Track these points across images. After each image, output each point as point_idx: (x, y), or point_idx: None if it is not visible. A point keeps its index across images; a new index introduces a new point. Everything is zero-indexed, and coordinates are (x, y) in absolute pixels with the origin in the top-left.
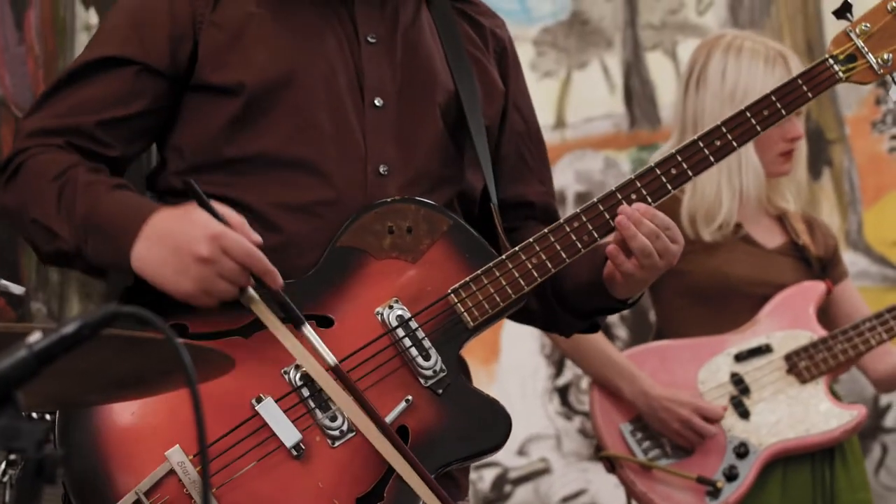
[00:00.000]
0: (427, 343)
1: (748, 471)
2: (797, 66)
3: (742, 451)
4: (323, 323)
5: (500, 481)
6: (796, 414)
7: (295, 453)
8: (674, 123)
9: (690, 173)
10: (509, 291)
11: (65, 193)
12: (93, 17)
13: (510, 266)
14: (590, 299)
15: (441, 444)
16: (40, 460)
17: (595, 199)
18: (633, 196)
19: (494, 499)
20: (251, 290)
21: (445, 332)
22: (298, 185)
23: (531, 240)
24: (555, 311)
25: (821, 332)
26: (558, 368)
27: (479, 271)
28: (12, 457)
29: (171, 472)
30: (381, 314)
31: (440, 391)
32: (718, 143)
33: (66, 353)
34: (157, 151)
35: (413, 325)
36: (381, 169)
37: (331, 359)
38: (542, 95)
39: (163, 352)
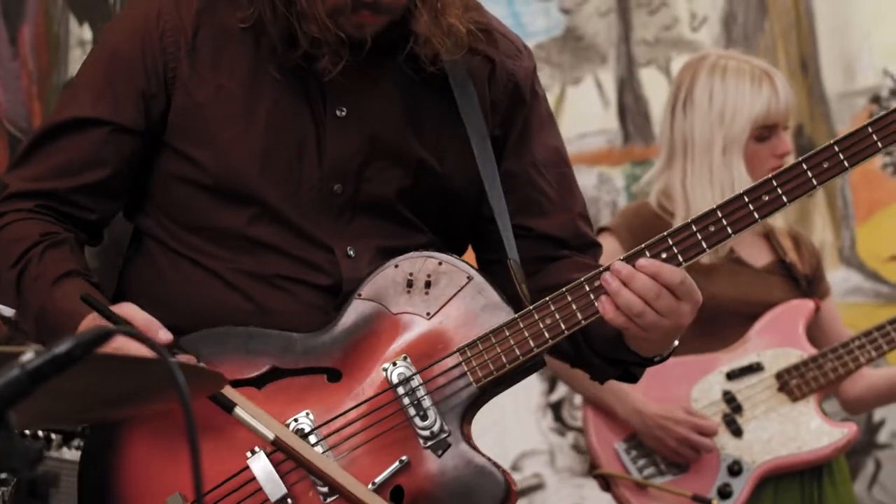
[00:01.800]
0: (427, 402)
1: (742, 488)
2: (783, 84)
3: (735, 468)
4: (332, 377)
5: None
6: (788, 432)
7: None
8: (661, 145)
9: (730, 230)
10: (517, 352)
11: (21, 283)
12: (86, 33)
13: (521, 326)
14: (615, 353)
15: None
16: (33, 480)
17: (621, 258)
18: (664, 255)
19: None
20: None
21: (450, 393)
22: (269, 263)
23: (547, 299)
24: (587, 357)
25: (811, 350)
26: (551, 384)
27: (488, 331)
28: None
29: None
30: (387, 371)
31: (439, 453)
32: (766, 198)
33: (58, 373)
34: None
35: (415, 382)
36: (349, 251)
37: (270, 435)
38: None
39: (155, 370)
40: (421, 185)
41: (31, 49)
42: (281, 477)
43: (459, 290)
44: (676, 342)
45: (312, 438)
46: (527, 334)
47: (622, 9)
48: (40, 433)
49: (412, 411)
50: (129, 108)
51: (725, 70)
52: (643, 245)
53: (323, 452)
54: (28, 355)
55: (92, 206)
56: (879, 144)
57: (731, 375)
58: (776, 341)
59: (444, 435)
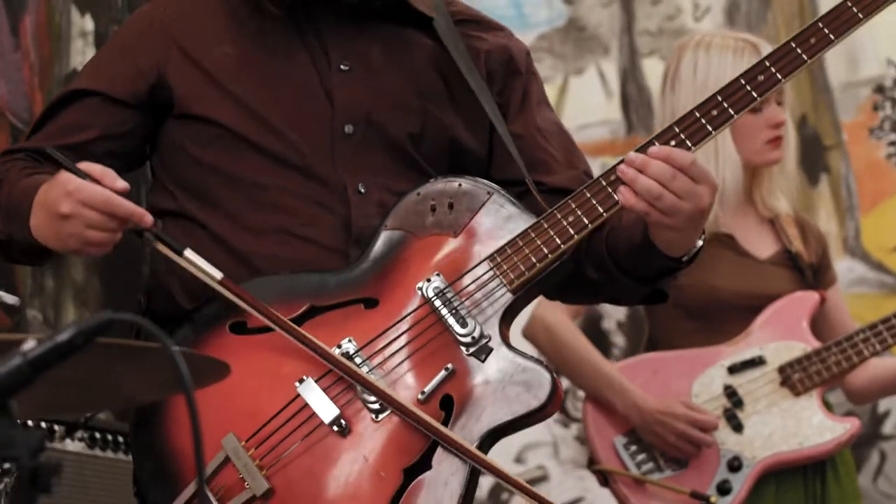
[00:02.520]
0: (464, 310)
1: (741, 484)
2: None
3: (735, 464)
4: (369, 304)
5: (497, 489)
6: (790, 427)
7: (336, 429)
8: (656, 126)
9: (732, 111)
10: (545, 251)
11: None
12: (88, 24)
13: (546, 226)
14: (645, 261)
15: (486, 410)
16: (35, 469)
17: (634, 150)
18: (672, 142)
19: None
20: (147, 233)
21: (486, 299)
22: (278, 209)
23: (567, 198)
24: (616, 279)
25: (814, 344)
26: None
27: (514, 235)
28: (7, 465)
29: (227, 459)
30: (422, 288)
31: (482, 358)
32: (761, 77)
33: (60, 361)
34: (151, 176)
35: (450, 294)
36: (360, 188)
37: (217, 274)
38: None
39: (160, 359)
40: (429, 133)
41: (32, 40)
42: (331, 399)
43: (482, 206)
44: (700, 242)
45: (357, 360)
46: (552, 233)
47: None
48: (43, 424)
49: (451, 320)
50: (124, 83)
51: (710, 45)
52: (652, 136)
53: (368, 372)
54: (29, 343)
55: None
56: (860, 15)
57: (733, 369)
58: (779, 334)
59: (485, 340)
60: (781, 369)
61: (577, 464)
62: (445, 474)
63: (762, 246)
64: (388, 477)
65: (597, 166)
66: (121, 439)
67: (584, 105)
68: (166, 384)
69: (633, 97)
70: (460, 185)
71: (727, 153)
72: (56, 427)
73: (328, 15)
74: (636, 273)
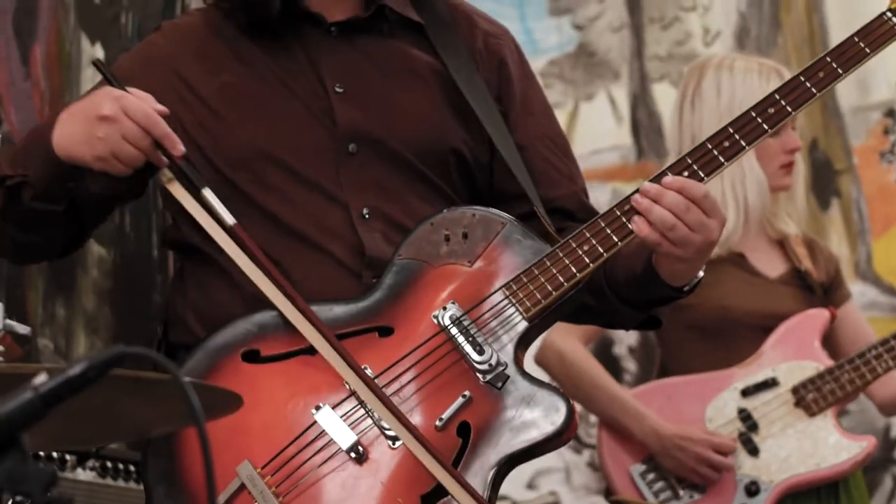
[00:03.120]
0: (481, 338)
1: None
2: None
3: (753, 489)
4: (384, 333)
5: None
6: (806, 448)
7: (354, 455)
8: (671, 147)
9: (743, 143)
10: (560, 279)
11: (12, 147)
12: (98, 52)
13: (561, 255)
14: (644, 288)
15: (503, 437)
16: (47, 503)
17: (647, 180)
18: (685, 173)
19: None
20: (165, 170)
21: (502, 327)
22: (282, 243)
23: (582, 227)
24: (612, 305)
25: (827, 362)
26: None
27: (530, 264)
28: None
29: (242, 486)
30: (437, 317)
31: (499, 385)
32: (772, 110)
33: (72, 395)
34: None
35: (466, 322)
36: (364, 213)
37: (230, 220)
38: None
39: (172, 391)
40: (431, 145)
41: (43, 69)
42: (348, 426)
43: (496, 235)
44: (702, 273)
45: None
46: (567, 262)
47: (635, 24)
48: (55, 454)
49: (468, 348)
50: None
51: (733, 66)
52: (665, 167)
53: None
54: (41, 378)
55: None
56: (867, 50)
57: (746, 392)
58: (791, 354)
59: (502, 367)
60: (795, 390)
61: (589, 490)
62: None
63: (772, 265)
64: None
65: (607, 192)
66: (132, 468)
67: (595, 130)
68: (179, 416)
69: (643, 122)
70: (474, 215)
71: (754, 175)
72: (67, 457)
73: (318, 37)
74: (634, 301)
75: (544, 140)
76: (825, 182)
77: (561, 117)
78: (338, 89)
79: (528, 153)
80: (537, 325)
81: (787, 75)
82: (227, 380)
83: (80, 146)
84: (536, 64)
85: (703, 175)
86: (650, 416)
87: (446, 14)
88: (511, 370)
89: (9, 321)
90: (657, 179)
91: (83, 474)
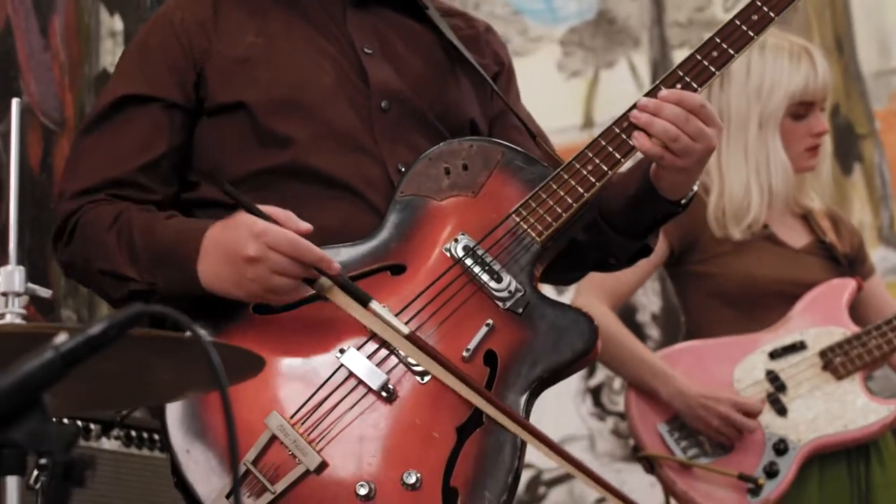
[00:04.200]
0: (497, 266)
1: (788, 467)
2: (822, 62)
3: (781, 447)
4: (396, 271)
5: (534, 483)
6: (833, 410)
7: (385, 395)
8: None
9: (732, 51)
10: (569, 200)
11: (122, 237)
12: (117, 24)
13: (566, 177)
14: (641, 210)
15: (530, 361)
16: (68, 463)
17: (642, 96)
18: (678, 85)
19: (529, 501)
20: (323, 279)
21: (515, 253)
22: (318, 189)
23: (584, 148)
24: (605, 236)
25: (854, 329)
26: (591, 369)
27: (537, 188)
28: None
29: (273, 437)
30: (449, 249)
31: (520, 311)
32: (755, 17)
33: (93, 354)
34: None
35: (480, 251)
36: (400, 167)
37: (404, 329)
38: (569, 95)
39: (195, 351)
40: (451, 110)
41: (62, 40)
42: (376, 366)
43: (497, 164)
44: (696, 187)
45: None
46: (573, 183)
47: None
48: (79, 423)
49: (485, 277)
50: (164, 83)
51: (764, 45)
52: (657, 81)
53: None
54: (61, 337)
55: (154, 186)
56: None
57: (774, 354)
58: (819, 320)
59: (521, 293)
60: (823, 353)
61: (613, 457)
62: (497, 439)
63: (796, 236)
64: (441, 438)
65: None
66: (156, 437)
67: (615, 98)
68: (202, 379)
69: None
70: (472, 145)
71: (779, 160)
72: (92, 426)
73: (339, 5)
74: (630, 227)
75: (532, 132)
76: (847, 147)
77: (581, 85)
78: (367, 50)
79: (504, 121)
80: (550, 247)
81: (818, 59)
82: (242, 335)
83: (231, 288)
84: (556, 32)
85: (696, 86)
86: (677, 377)
87: (439, 6)
88: (530, 295)
89: (31, 285)
90: (652, 94)
91: (108, 443)
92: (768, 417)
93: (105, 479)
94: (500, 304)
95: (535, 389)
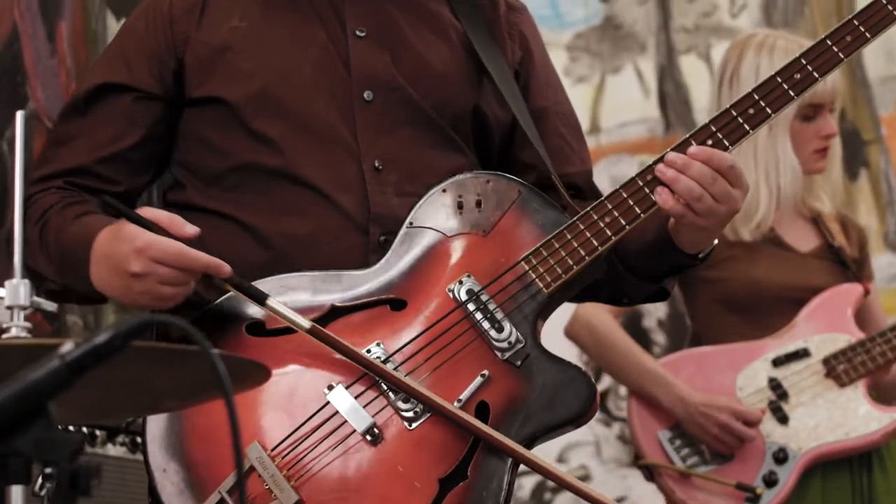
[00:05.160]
0: (500, 314)
1: (788, 476)
2: None
3: (781, 456)
4: (396, 306)
5: (539, 489)
6: (835, 418)
7: (370, 438)
8: (698, 123)
9: (769, 110)
10: (582, 252)
11: (43, 234)
12: None
13: (582, 227)
14: (658, 258)
15: (523, 417)
16: (74, 472)
17: (668, 149)
18: (709, 142)
19: None
20: (217, 282)
21: (520, 302)
22: (290, 193)
23: (603, 198)
24: (622, 278)
25: (859, 335)
26: (597, 375)
27: (549, 236)
28: (48, 470)
29: (252, 468)
30: (453, 290)
31: (518, 363)
32: (798, 76)
33: (99, 364)
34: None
35: (484, 297)
36: (376, 164)
37: (305, 324)
38: (576, 100)
39: (199, 362)
40: (452, 100)
41: (68, 45)
42: (363, 407)
43: (512, 204)
44: (716, 241)
45: (389, 366)
46: (589, 234)
47: None
48: (84, 429)
49: (486, 325)
50: (143, 73)
51: (773, 48)
52: (688, 135)
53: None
54: (67, 346)
55: (117, 177)
56: None
57: (777, 362)
58: (823, 326)
59: (521, 345)
60: (826, 361)
61: (619, 463)
62: (484, 479)
63: (804, 240)
64: (423, 487)
65: (635, 165)
66: None
67: (622, 103)
68: (205, 388)
69: (670, 95)
70: (488, 181)
71: (788, 161)
72: (97, 432)
73: None
74: (645, 272)
75: (560, 116)
76: (853, 153)
77: (588, 90)
78: (359, 33)
79: (544, 124)
80: (557, 298)
81: None
82: (229, 352)
83: (122, 297)
84: (563, 37)
85: (727, 144)
86: (678, 384)
87: None
88: (530, 347)
89: (36, 298)
90: (681, 148)
91: (113, 450)
92: (770, 425)
93: (111, 485)
94: (498, 353)
95: (526, 447)
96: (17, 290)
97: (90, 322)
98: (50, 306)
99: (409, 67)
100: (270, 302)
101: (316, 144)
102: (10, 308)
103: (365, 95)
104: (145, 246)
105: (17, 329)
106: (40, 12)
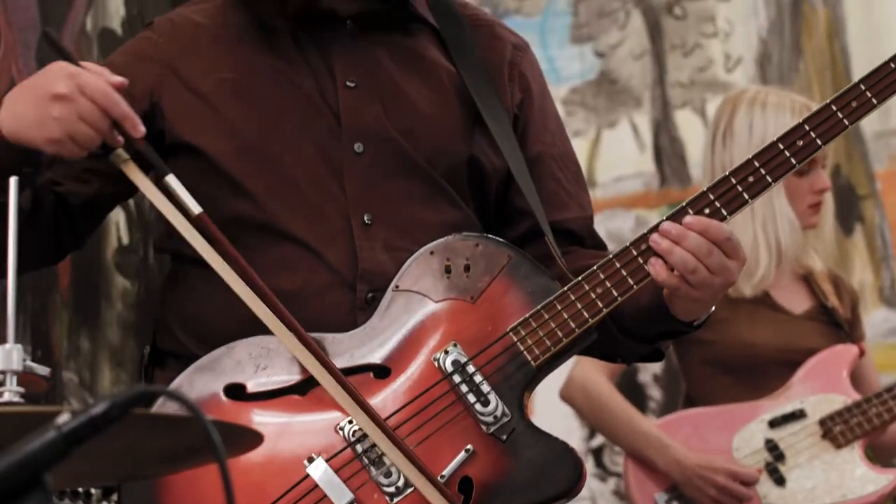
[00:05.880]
0: (486, 387)
1: None
2: None
3: None
4: (379, 374)
5: None
6: (832, 479)
7: None
8: (702, 180)
9: (770, 179)
10: (572, 325)
11: None
12: None
13: (573, 298)
14: (652, 323)
15: (507, 494)
16: None
17: (664, 218)
18: (707, 210)
19: None
20: (120, 151)
21: (507, 375)
22: (276, 248)
23: (595, 267)
24: (615, 338)
25: (855, 396)
26: (592, 430)
27: (538, 306)
28: None
29: None
30: (438, 360)
31: (504, 437)
32: (801, 143)
33: (96, 434)
34: None
35: (470, 369)
36: (366, 218)
37: (196, 209)
38: None
39: (193, 428)
40: (446, 150)
41: None
42: (343, 482)
43: (501, 270)
44: (714, 307)
45: (367, 443)
46: (579, 306)
47: (656, 51)
48: (79, 489)
49: (472, 398)
50: None
51: (766, 103)
52: (684, 202)
53: (382, 454)
54: (64, 417)
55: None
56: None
57: (774, 423)
58: (819, 387)
59: (507, 418)
60: (822, 422)
61: None
62: None
63: (797, 301)
64: None
65: (631, 219)
66: None
67: (618, 158)
68: (195, 454)
69: (666, 149)
70: (478, 244)
71: (785, 216)
72: (93, 490)
73: (332, 29)
74: (639, 334)
75: (557, 159)
76: (848, 208)
77: (583, 145)
78: (349, 84)
79: (539, 170)
80: (545, 369)
81: None
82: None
83: (31, 128)
84: (558, 92)
85: (725, 213)
86: (673, 446)
87: (464, 24)
88: (517, 421)
89: (29, 363)
90: (677, 217)
91: None
92: (766, 487)
93: None
94: (483, 427)
95: None
96: (10, 354)
97: (86, 378)
98: (42, 370)
99: (401, 118)
100: (170, 179)
101: (302, 198)
102: (3, 373)
103: (355, 147)
104: (77, 73)
105: (10, 394)
106: (38, 69)
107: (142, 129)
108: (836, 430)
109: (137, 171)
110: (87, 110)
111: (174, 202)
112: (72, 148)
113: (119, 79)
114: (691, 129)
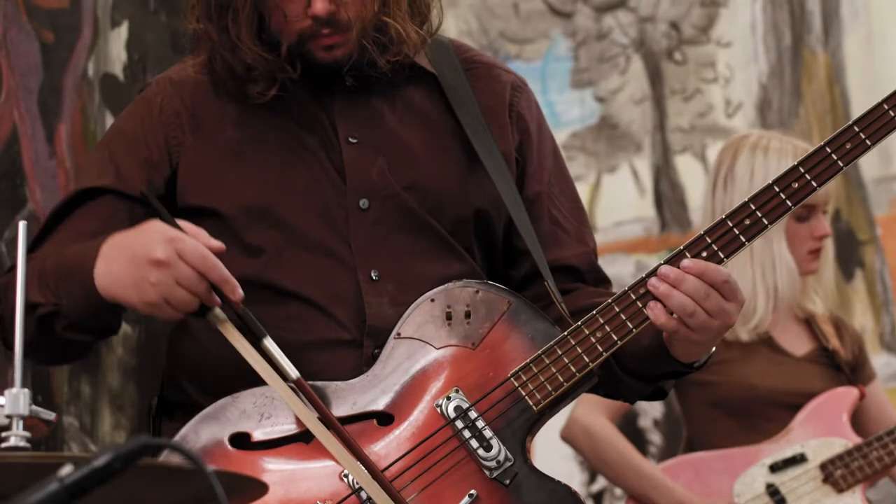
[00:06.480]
0: (488, 433)
1: None
2: None
3: None
4: (383, 420)
5: None
6: None
7: None
8: (703, 225)
9: (766, 221)
10: (572, 369)
11: (34, 265)
12: None
13: (573, 343)
14: (653, 364)
15: None
16: None
17: (661, 262)
18: (704, 254)
19: None
20: (218, 310)
21: (509, 419)
22: (284, 306)
23: (594, 312)
24: (618, 378)
25: (855, 440)
26: (592, 474)
27: (539, 351)
28: None
29: None
30: (441, 406)
31: (507, 482)
32: (796, 185)
33: (97, 486)
34: None
35: (473, 414)
36: (373, 275)
37: (294, 373)
38: None
39: (197, 479)
40: (450, 203)
41: (67, 147)
42: None
43: (501, 316)
44: (714, 348)
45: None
46: (580, 350)
47: (657, 96)
48: None
49: (475, 444)
50: (132, 177)
51: (767, 148)
52: (682, 246)
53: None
54: (66, 469)
55: None
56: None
57: (775, 467)
58: (820, 431)
59: (510, 463)
60: (823, 466)
61: None
62: None
63: (798, 344)
64: None
65: (631, 264)
66: None
67: (618, 203)
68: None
69: (666, 194)
70: (478, 291)
71: (784, 262)
72: None
73: (333, 85)
74: (640, 373)
75: (554, 198)
76: (848, 253)
77: (584, 189)
78: (351, 140)
79: (537, 209)
80: (546, 413)
81: None
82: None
83: (128, 290)
84: (559, 136)
85: (722, 256)
86: (677, 489)
87: (459, 68)
88: (519, 465)
89: (34, 407)
90: (674, 261)
91: None
92: None
93: None
94: (487, 472)
95: None
96: (17, 398)
97: (86, 423)
98: (48, 415)
99: (404, 173)
100: (267, 342)
101: (310, 256)
102: (9, 417)
103: (360, 204)
104: (175, 237)
105: (16, 438)
106: (40, 114)
107: (240, 293)
108: (836, 474)
109: (235, 332)
110: (185, 275)
111: (272, 364)
112: (168, 311)
113: (217, 243)
114: (691, 175)
